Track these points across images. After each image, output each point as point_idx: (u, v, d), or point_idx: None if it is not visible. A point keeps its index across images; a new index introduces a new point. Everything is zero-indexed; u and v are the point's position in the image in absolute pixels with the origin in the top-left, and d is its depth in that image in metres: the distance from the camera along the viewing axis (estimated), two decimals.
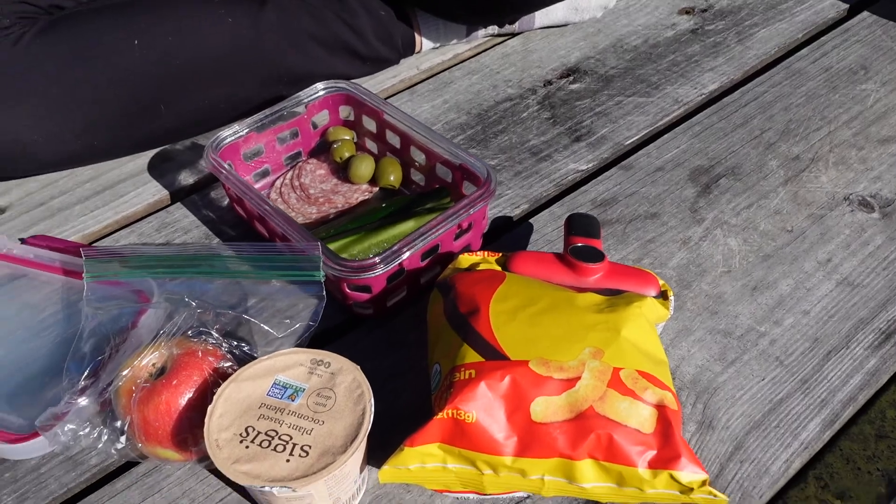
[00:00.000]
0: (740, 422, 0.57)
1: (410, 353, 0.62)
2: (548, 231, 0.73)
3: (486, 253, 0.62)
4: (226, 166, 0.68)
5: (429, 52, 0.97)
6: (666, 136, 0.84)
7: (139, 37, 0.73)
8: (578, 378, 0.47)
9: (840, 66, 0.91)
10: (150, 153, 0.83)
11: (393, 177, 0.76)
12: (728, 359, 0.61)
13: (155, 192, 0.79)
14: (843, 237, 0.70)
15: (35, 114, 0.70)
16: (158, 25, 0.75)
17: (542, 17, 0.97)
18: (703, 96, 0.90)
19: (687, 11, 1.02)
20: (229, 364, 0.54)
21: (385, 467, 0.47)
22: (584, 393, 0.46)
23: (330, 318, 0.65)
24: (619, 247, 0.71)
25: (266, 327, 0.60)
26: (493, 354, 0.48)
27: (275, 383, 0.50)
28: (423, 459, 0.47)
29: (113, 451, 0.53)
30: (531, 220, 0.75)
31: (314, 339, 0.64)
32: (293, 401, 0.49)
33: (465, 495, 0.52)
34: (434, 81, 0.93)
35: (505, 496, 0.52)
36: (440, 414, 0.46)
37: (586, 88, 0.91)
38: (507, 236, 0.73)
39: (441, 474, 0.48)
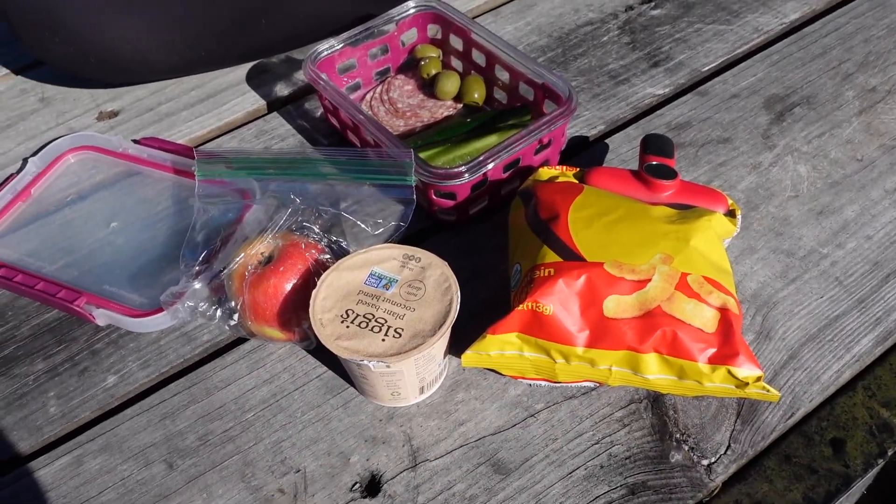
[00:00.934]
0: (796, 334, 0.61)
1: (489, 257, 0.67)
2: (622, 151, 0.77)
3: (564, 167, 0.66)
4: (323, 77, 0.73)
5: None
6: (743, 63, 0.86)
7: None
8: (649, 280, 0.51)
9: None
10: (249, 65, 0.88)
11: (477, 94, 0.80)
12: (789, 277, 0.64)
13: (253, 101, 0.84)
14: None
15: (152, 24, 0.75)
16: None
17: None
18: (784, 25, 0.90)
19: None
20: (328, 256, 0.60)
21: (468, 352, 0.53)
22: (653, 293, 0.51)
23: (415, 223, 0.71)
24: (690, 168, 0.74)
25: (362, 225, 0.66)
26: (571, 256, 0.53)
27: (371, 274, 0.56)
28: (502, 347, 0.52)
29: (226, 327, 0.60)
30: (607, 141, 0.78)
31: (403, 240, 0.69)
32: (388, 290, 0.55)
33: (538, 382, 0.57)
34: (517, 3, 0.96)
35: (572, 385, 0.57)
36: (521, 306, 0.52)
37: (667, 14, 0.93)
38: (584, 154, 0.77)
39: (517, 361, 0.54)
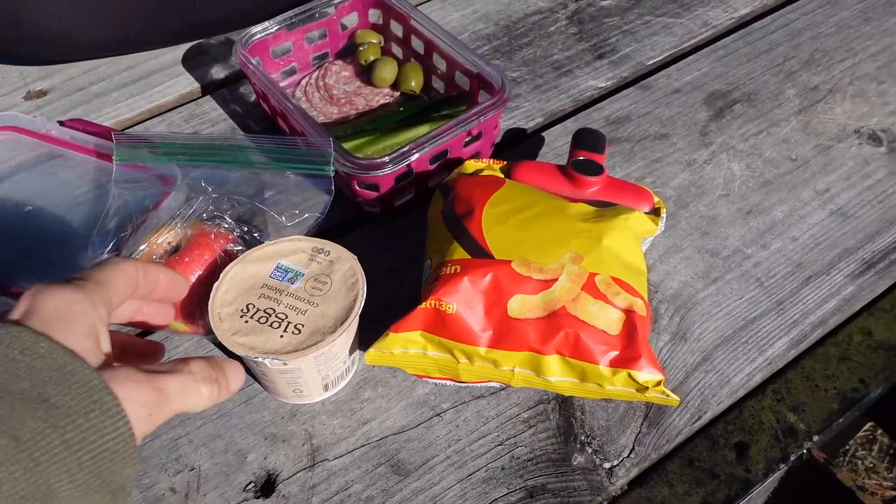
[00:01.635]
0: (712, 336, 0.60)
1: (413, 250, 0.66)
2: (559, 145, 0.76)
3: (491, 161, 0.65)
4: (253, 62, 0.71)
5: None
6: (689, 58, 0.85)
7: None
8: (555, 280, 0.50)
9: None
10: (186, 46, 0.87)
11: (414, 82, 0.78)
12: (711, 277, 0.64)
13: (187, 84, 0.83)
14: (846, 169, 0.72)
15: None
16: None
17: None
18: (734, 20, 0.89)
19: None
20: (239, 248, 0.59)
21: (371, 350, 0.52)
22: (558, 293, 0.50)
23: (338, 215, 0.69)
24: (624, 164, 0.73)
25: (276, 215, 0.65)
26: (479, 253, 0.52)
27: (277, 266, 0.55)
28: (405, 345, 0.51)
29: None
30: (544, 134, 0.77)
31: (325, 232, 0.68)
32: (293, 283, 0.54)
33: (443, 382, 0.56)
34: None
35: (480, 385, 0.57)
36: (424, 304, 0.51)
37: (617, 6, 0.91)
38: (519, 147, 0.76)
39: (421, 360, 0.53)
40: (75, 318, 0.34)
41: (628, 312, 0.50)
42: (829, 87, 0.80)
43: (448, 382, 0.56)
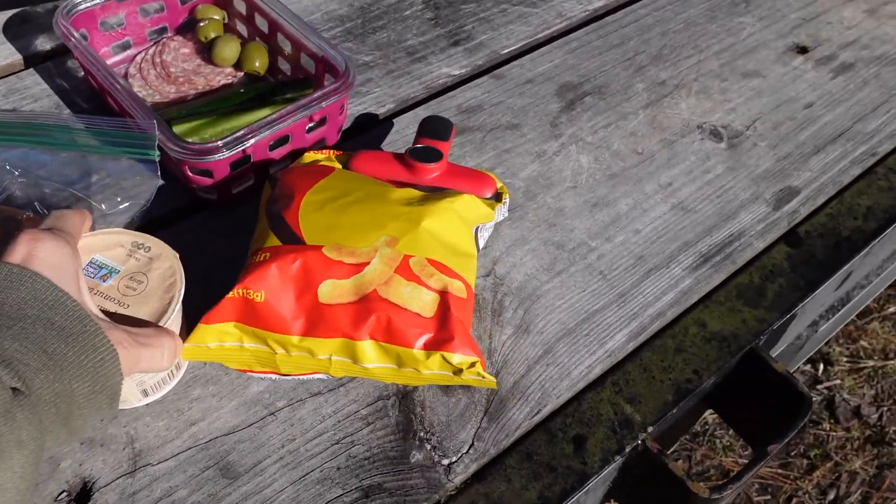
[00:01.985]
0: (554, 328, 0.60)
1: (250, 240, 0.62)
2: (409, 133, 0.74)
3: (331, 151, 0.62)
4: (77, 34, 0.66)
5: None
6: (543, 48, 0.85)
7: None
8: (367, 263, 0.48)
9: None
10: (9, 13, 0.79)
11: (258, 63, 0.74)
12: (556, 269, 0.63)
13: (7, 55, 0.75)
14: (688, 164, 0.73)
15: None
16: None
17: None
18: (587, 13, 0.90)
19: None
20: None
21: (186, 344, 0.49)
22: (370, 277, 0.48)
23: (171, 201, 0.65)
24: (475, 154, 0.72)
25: (95, 203, 0.60)
26: (291, 239, 0.49)
27: (91, 262, 0.50)
28: (221, 338, 0.48)
29: None
30: (395, 120, 0.75)
31: (157, 220, 0.64)
32: (105, 281, 0.49)
33: (271, 377, 0.53)
34: None
35: (311, 378, 0.54)
36: (231, 293, 0.48)
37: None
38: (367, 134, 0.73)
39: (239, 353, 0.50)
40: (64, 267, 0.43)
41: (442, 293, 0.49)
42: (676, 82, 0.82)
43: (275, 377, 0.53)
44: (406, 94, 0.78)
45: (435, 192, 0.56)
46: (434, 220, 0.51)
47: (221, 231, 0.63)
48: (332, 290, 0.47)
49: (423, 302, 0.48)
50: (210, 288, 0.53)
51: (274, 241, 0.49)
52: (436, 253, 0.50)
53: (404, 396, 0.55)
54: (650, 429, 0.55)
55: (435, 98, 0.78)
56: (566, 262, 0.64)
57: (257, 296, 0.47)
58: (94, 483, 0.49)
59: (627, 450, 0.54)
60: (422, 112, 0.76)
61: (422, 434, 0.53)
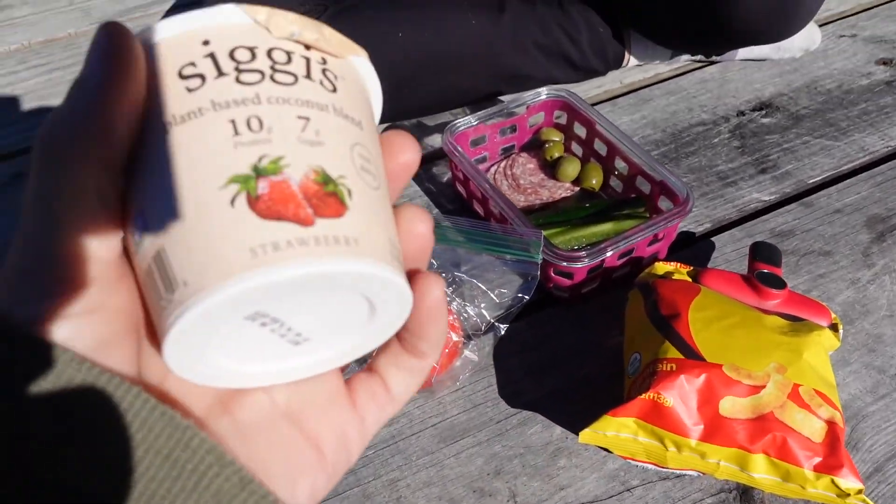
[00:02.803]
0: (883, 448, 0.65)
1: (595, 335, 0.73)
2: (727, 251, 0.82)
3: (678, 264, 0.72)
4: (458, 149, 0.80)
5: (633, 68, 1.06)
6: (848, 180, 0.91)
7: (402, 29, 0.86)
8: (763, 387, 0.56)
9: None
10: (383, 127, 0.96)
11: (595, 180, 0.86)
12: (879, 393, 0.69)
13: None
14: None
15: None
16: (418, 23, 0.88)
17: (745, 51, 1.04)
18: (890, 148, 0.95)
19: (885, 62, 1.07)
20: (452, 318, 0.67)
21: (587, 430, 0.58)
22: (767, 399, 0.56)
23: (533, 294, 0.77)
24: (790, 276, 0.79)
25: (488, 291, 0.73)
26: (691, 354, 0.58)
27: None
28: (619, 429, 0.58)
29: None
30: (713, 239, 0.84)
31: (521, 310, 0.76)
32: None
33: (644, 465, 0.62)
34: (634, 97, 1.02)
35: (675, 471, 0.62)
36: (644, 395, 0.57)
37: (777, 124, 0.98)
38: (690, 250, 0.83)
39: (631, 444, 0.59)
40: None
41: (830, 423, 0.56)
42: None
43: (649, 466, 0.62)
44: (721, 216, 0.86)
45: (797, 322, 0.63)
46: (811, 352, 0.59)
47: (571, 324, 0.74)
48: (733, 406, 0.56)
49: (813, 428, 0.55)
50: (564, 373, 0.63)
51: (675, 353, 0.59)
52: (817, 384, 0.57)
53: (744, 492, 0.62)
54: None
55: (748, 221, 0.86)
56: (889, 388, 0.69)
57: (666, 400, 0.56)
58: None
59: None
60: (737, 233, 0.84)
61: None
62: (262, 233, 0.22)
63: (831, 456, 0.54)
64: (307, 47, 0.25)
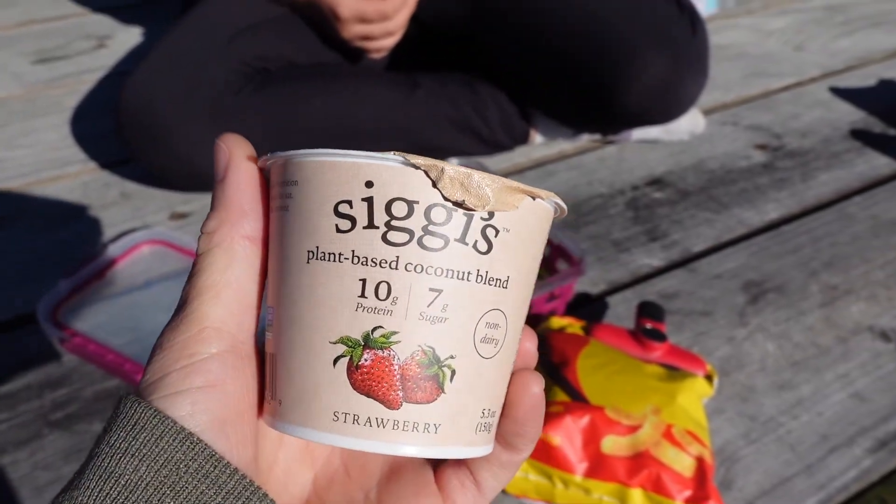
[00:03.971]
0: (753, 488, 0.71)
1: None
2: (620, 310, 0.89)
3: (573, 319, 0.78)
4: None
5: (539, 145, 1.15)
6: (727, 249, 1.00)
7: (322, 97, 0.93)
8: (640, 427, 0.62)
9: (886, 217, 1.07)
10: None
11: None
12: (750, 438, 0.76)
13: None
14: (861, 359, 0.85)
15: None
16: (335, 94, 0.94)
17: (639, 132, 1.15)
18: (764, 222, 1.06)
19: (762, 147, 1.19)
20: None
21: None
22: (643, 438, 0.62)
23: None
24: (675, 332, 0.87)
25: None
26: (577, 397, 0.64)
27: None
28: None
29: None
30: (607, 299, 0.91)
31: None
32: None
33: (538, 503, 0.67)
34: (540, 171, 1.11)
35: None
36: None
37: (667, 198, 1.08)
38: (586, 308, 0.90)
39: (522, 483, 0.64)
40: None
41: (699, 460, 0.62)
42: (847, 287, 0.95)
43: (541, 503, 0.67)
44: (615, 278, 0.94)
45: (674, 371, 0.70)
46: (684, 396, 0.66)
47: None
48: (613, 444, 0.62)
49: (684, 464, 0.61)
50: None
51: (563, 396, 0.64)
52: (689, 424, 0.64)
53: None
54: None
55: (639, 283, 0.94)
56: (759, 433, 0.76)
57: (554, 440, 0.62)
58: None
59: None
60: (629, 294, 0.92)
61: None
62: (348, 402, 0.23)
63: (700, 489, 0.60)
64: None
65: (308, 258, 0.24)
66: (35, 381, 0.77)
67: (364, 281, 0.23)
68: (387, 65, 1.12)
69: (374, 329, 0.23)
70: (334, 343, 0.23)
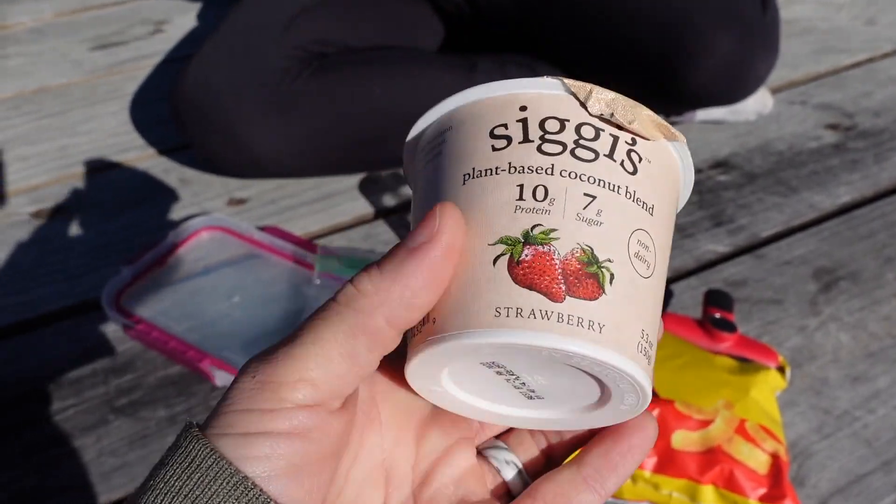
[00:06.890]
0: (827, 485, 0.69)
1: None
2: (684, 298, 0.87)
3: None
4: None
5: None
6: (798, 234, 0.96)
7: (380, 84, 0.92)
8: (712, 421, 0.60)
9: None
10: (361, 175, 1.01)
11: None
12: (824, 432, 0.73)
13: (363, 207, 0.96)
14: None
15: (299, 133, 0.89)
16: (394, 78, 0.93)
17: (703, 113, 1.11)
18: (836, 206, 1.01)
19: (833, 127, 1.15)
20: None
21: None
22: (715, 433, 0.60)
23: None
24: (743, 322, 0.84)
25: None
26: None
27: None
28: None
29: None
30: (671, 287, 0.88)
31: None
32: None
33: None
34: None
35: (630, 502, 0.66)
36: None
37: (732, 181, 1.04)
38: None
39: None
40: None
41: (774, 456, 0.60)
42: None
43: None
44: (679, 265, 0.91)
45: (746, 363, 0.68)
46: (757, 390, 0.63)
47: None
48: (684, 440, 0.60)
49: (758, 461, 0.59)
50: None
51: None
52: (763, 419, 0.61)
53: None
54: None
55: (704, 270, 0.91)
56: (833, 428, 0.73)
57: None
58: None
59: None
60: (693, 282, 0.89)
61: None
62: (511, 296, 0.23)
63: (775, 487, 0.58)
64: (620, 127, 0.25)
65: (464, 180, 0.25)
66: (100, 368, 0.78)
67: (521, 186, 0.24)
68: (443, 46, 1.10)
69: (534, 227, 0.24)
70: (494, 244, 0.24)
